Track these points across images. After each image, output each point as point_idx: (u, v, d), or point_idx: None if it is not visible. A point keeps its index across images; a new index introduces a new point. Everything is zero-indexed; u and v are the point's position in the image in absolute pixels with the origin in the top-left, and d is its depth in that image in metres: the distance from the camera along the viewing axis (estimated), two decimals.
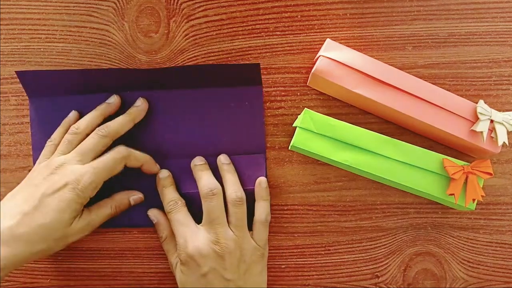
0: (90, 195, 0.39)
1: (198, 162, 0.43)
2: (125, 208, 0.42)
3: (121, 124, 0.41)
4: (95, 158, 0.40)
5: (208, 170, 0.42)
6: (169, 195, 0.42)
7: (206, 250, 0.39)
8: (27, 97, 0.44)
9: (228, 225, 0.40)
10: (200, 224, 0.41)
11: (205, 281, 0.39)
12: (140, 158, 0.42)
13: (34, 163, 0.44)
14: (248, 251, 0.40)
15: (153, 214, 0.43)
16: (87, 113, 0.42)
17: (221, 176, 0.42)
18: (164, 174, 0.43)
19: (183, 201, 0.42)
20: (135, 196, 0.43)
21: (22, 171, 0.44)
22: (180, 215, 0.41)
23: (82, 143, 0.40)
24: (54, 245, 0.38)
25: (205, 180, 0.41)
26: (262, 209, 0.42)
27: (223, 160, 0.43)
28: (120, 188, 0.43)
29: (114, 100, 0.43)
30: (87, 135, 0.41)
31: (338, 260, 0.44)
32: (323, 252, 0.44)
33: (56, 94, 0.43)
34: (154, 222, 0.43)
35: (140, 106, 0.43)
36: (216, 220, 0.40)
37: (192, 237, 0.39)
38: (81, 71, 0.43)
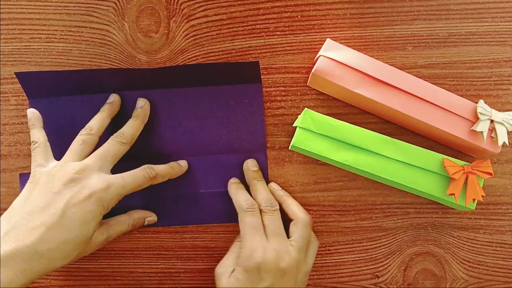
0: (112, 206, 0.37)
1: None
2: (139, 226, 0.42)
3: (135, 127, 0.41)
4: (113, 165, 0.39)
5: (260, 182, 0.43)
6: (244, 196, 0.41)
7: (271, 266, 0.37)
8: (27, 97, 0.44)
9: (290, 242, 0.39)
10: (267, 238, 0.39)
11: None
12: (165, 175, 0.41)
13: None
14: (302, 274, 0.39)
15: None
16: (88, 113, 0.42)
17: (251, 186, 0.42)
18: (235, 180, 0.43)
19: (258, 206, 0.41)
20: (150, 218, 0.43)
21: (22, 171, 0.44)
22: (254, 220, 0.39)
23: (102, 148, 0.39)
24: (73, 259, 0.36)
25: (264, 194, 0.41)
26: (307, 231, 0.41)
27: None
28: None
29: (114, 99, 0.43)
30: (99, 137, 0.40)
31: (338, 260, 0.44)
32: (323, 252, 0.44)
33: (55, 95, 0.43)
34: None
35: (144, 106, 0.43)
36: (279, 236, 0.39)
37: (263, 249, 0.38)
38: (80, 71, 0.43)
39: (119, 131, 0.41)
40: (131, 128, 0.41)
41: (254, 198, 0.41)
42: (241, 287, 0.37)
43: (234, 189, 0.42)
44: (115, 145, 0.39)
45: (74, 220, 0.35)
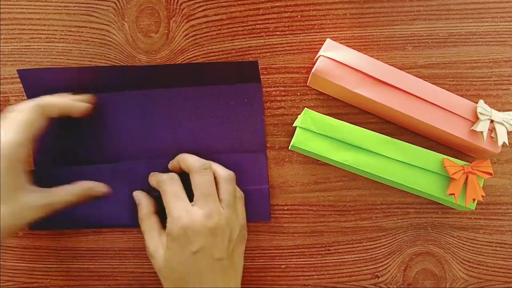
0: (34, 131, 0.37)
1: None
2: (88, 199, 0.41)
3: (60, 100, 0.40)
4: None
5: (182, 154, 0.42)
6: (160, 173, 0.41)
7: (199, 227, 0.37)
8: (26, 97, 0.44)
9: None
10: (192, 202, 0.39)
11: (194, 259, 0.37)
12: (58, 103, 0.39)
13: (35, 163, 0.44)
14: (236, 230, 0.39)
15: (137, 194, 0.42)
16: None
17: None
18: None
19: (178, 176, 0.41)
20: (99, 188, 0.42)
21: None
22: (176, 188, 0.39)
23: None
24: (10, 218, 0.36)
25: (193, 158, 0.40)
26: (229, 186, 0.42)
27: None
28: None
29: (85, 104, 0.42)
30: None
31: (338, 260, 0.44)
32: (323, 252, 0.44)
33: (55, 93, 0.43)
34: (137, 203, 0.42)
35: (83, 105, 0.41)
36: (210, 196, 0.38)
37: (188, 211, 0.38)
38: (82, 68, 0.43)
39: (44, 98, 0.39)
40: (57, 99, 0.40)
41: (184, 168, 0.41)
42: (174, 255, 0.37)
43: (152, 174, 0.42)
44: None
45: None
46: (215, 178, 0.40)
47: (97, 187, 0.42)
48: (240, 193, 0.42)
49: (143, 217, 0.41)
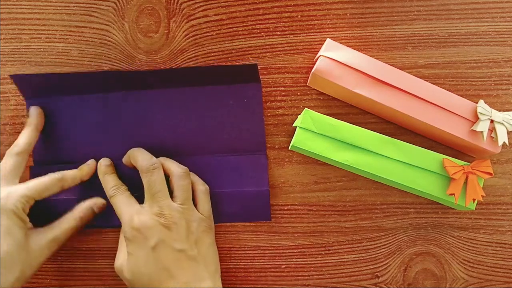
0: (26, 211, 0.38)
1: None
2: (90, 217, 0.42)
3: (28, 136, 0.41)
4: (18, 177, 0.40)
5: (136, 148, 0.42)
6: (112, 181, 0.41)
7: (151, 223, 0.37)
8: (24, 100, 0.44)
9: (173, 200, 0.39)
10: (143, 204, 0.39)
11: (155, 255, 0.37)
12: (74, 177, 0.41)
13: (34, 163, 0.44)
14: (194, 222, 0.39)
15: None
16: (85, 112, 0.43)
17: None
18: (106, 162, 0.42)
19: (126, 186, 0.41)
20: (98, 203, 0.42)
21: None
22: (124, 197, 0.40)
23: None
24: (24, 272, 0.37)
25: (142, 156, 0.40)
26: (196, 179, 0.42)
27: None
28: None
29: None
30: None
31: (338, 260, 0.44)
32: (323, 252, 0.44)
33: (52, 95, 0.43)
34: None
35: (34, 112, 0.42)
36: (158, 194, 0.39)
37: (138, 213, 0.38)
38: (77, 74, 0.42)
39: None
40: (25, 137, 0.41)
41: (135, 164, 0.41)
42: (135, 257, 0.37)
43: (102, 174, 0.42)
44: (11, 158, 0.40)
45: None
46: (167, 172, 0.40)
47: (96, 203, 0.42)
48: (204, 186, 0.42)
49: None
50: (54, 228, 0.40)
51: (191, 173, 0.42)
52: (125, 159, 0.42)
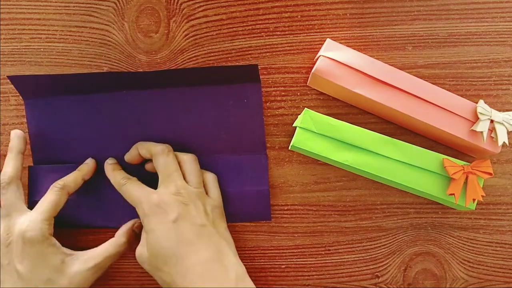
0: (48, 231, 0.38)
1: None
2: (132, 238, 0.42)
3: (77, 179, 0.41)
4: (56, 213, 0.39)
5: (144, 142, 0.42)
6: (121, 174, 0.41)
7: (170, 199, 0.37)
8: (22, 100, 0.44)
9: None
10: (159, 183, 0.39)
11: (177, 227, 0.36)
12: (75, 179, 0.41)
13: (34, 163, 0.44)
14: (209, 206, 0.39)
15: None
16: (85, 113, 0.43)
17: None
18: (112, 160, 0.43)
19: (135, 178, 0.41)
20: (136, 224, 0.43)
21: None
22: (136, 183, 0.40)
23: (44, 200, 0.39)
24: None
25: (153, 143, 0.41)
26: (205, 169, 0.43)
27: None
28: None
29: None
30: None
31: (338, 260, 0.44)
32: (323, 252, 0.44)
33: (51, 95, 0.43)
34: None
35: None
36: (174, 173, 0.39)
37: (156, 192, 0.38)
38: (75, 75, 0.42)
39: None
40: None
41: (144, 154, 0.41)
42: (156, 231, 0.36)
43: (111, 170, 0.42)
44: (7, 189, 0.39)
45: (27, 269, 0.36)
46: (179, 160, 0.41)
47: (135, 224, 0.42)
48: (212, 174, 0.42)
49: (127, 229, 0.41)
50: (96, 256, 0.39)
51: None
52: (130, 155, 0.42)
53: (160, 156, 0.39)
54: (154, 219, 0.37)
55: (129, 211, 0.43)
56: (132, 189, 0.39)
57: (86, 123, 0.44)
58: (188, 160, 0.41)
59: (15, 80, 0.42)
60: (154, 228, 0.37)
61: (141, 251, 0.38)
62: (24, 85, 0.42)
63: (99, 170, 0.43)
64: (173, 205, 0.37)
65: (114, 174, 0.41)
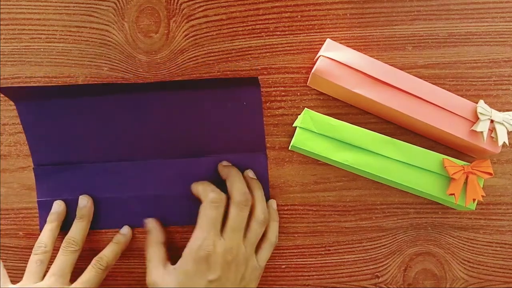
0: None
1: (225, 163, 0.43)
2: (131, 235, 0.43)
3: (83, 230, 0.42)
4: (71, 273, 0.40)
5: (239, 174, 0.42)
6: (212, 185, 0.41)
7: (221, 257, 0.38)
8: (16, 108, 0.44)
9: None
10: (223, 231, 0.39)
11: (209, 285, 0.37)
12: (115, 256, 0.42)
13: (34, 164, 0.44)
14: (250, 269, 0.39)
15: (150, 221, 0.43)
16: (78, 115, 0.43)
17: (250, 187, 0.41)
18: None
19: (225, 201, 0.41)
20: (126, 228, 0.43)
21: (22, 171, 0.44)
22: (218, 215, 0.39)
23: (57, 262, 0.39)
24: None
25: (238, 186, 0.40)
26: (273, 230, 0.42)
27: (251, 174, 0.43)
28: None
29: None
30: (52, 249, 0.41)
31: (338, 260, 0.44)
32: (323, 252, 0.44)
33: (43, 98, 0.43)
34: (148, 230, 0.42)
35: (88, 204, 0.43)
36: (238, 232, 0.39)
37: (215, 242, 0.38)
38: (67, 87, 0.42)
39: (68, 237, 0.41)
40: (80, 232, 0.41)
41: (229, 188, 0.41)
42: (191, 279, 0.37)
43: (202, 183, 0.42)
44: (69, 255, 0.40)
45: None
46: (251, 212, 0.40)
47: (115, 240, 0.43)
48: (274, 239, 0.42)
49: (151, 244, 0.41)
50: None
51: (271, 215, 0.42)
52: (224, 170, 0.42)
53: (238, 207, 0.39)
54: (196, 267, 0.37)
55: (127, 213, 0.43)
56: (206, 218, 0.39)
57: (87, 124, 0.43)
58: (258, 220, 0.40)
59: (4, 91, 0.41)
60: (190, 275, 0.37)
61: (159, 281, 0.38)
62: (16, 93, 0.42)
63: (99, 172, 0.43)
64: (219, 265, 0.37)
65: (205, 184, 0.41)
